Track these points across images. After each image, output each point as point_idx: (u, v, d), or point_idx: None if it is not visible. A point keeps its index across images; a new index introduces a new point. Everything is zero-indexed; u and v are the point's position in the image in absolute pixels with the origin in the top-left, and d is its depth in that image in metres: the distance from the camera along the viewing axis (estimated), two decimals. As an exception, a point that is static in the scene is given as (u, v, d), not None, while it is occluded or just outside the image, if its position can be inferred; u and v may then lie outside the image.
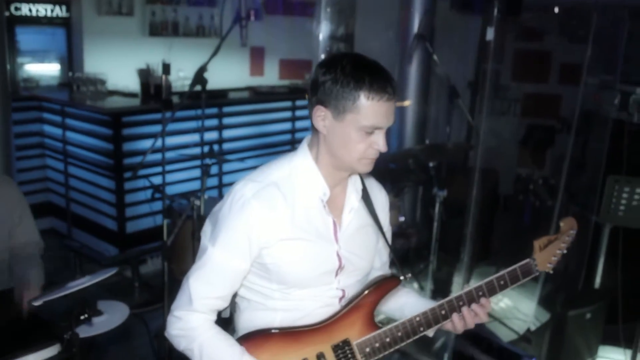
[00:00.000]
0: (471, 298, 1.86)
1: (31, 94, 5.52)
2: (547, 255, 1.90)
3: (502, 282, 1.87)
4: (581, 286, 4.55)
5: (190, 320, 1.78)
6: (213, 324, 1.82)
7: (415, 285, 4.80)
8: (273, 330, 1.81)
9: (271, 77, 7.17)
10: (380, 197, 1.99)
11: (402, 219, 4.46)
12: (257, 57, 7.07)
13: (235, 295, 1.88)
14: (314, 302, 1.83)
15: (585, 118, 4.79)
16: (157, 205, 4.54)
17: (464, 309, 1.85)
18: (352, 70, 1.66)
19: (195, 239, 3.66)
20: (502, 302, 4.62)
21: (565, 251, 1.93)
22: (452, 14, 5.62)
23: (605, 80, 4.70)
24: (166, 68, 4.62)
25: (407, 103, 5.19)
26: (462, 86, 6.01)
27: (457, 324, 1.86)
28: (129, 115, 4.88)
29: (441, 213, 4.25)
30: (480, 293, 1.86)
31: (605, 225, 4.16)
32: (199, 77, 3.53)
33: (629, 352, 3.55)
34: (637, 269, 3.75)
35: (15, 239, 2.88)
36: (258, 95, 6.17)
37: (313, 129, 1.79)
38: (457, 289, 4.60)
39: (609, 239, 4.39)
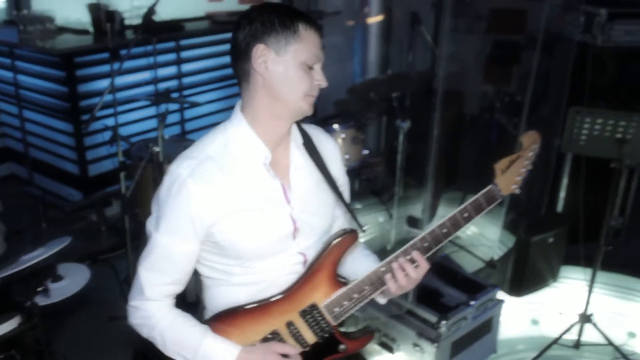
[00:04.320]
0: (435, 237, 1.76)
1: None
2: (510, 176, 1.78)
3: (466, 215, 1.76)
4: (544, 211, 4.63)
5: (147, 309, 1.77)
6: (171, 308, 1.80)
7: (381, 218, 4.85)
8: (239, 307, 1.79)
9: (231, 2, 6.91)
10: (329, 148, 1.93)
11: (365, 152, 4.44)
12: (214, -20, 6.78)
13: (199, 275, 1.86)
14: (277, 271, 1.80)
15: (550, 38, 4.73)
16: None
17: (405, 265, 1.76)
18: (281, 9, 1.70)
19: (157, 184, 3.61)
20: (469, 230, 4.70)
21: (530, 167, 1.81)
22: None
23: (569, 0, 4.61)
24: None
25: (380, 17, 5.08)
26: (426, 9, 5.85)
27: (412, 274, 1.77)
28: (81, 56, 4.68)
29: (404, 144, 4.24)
30: (445, 230, 1.76)
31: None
32: (147, 20, 3.37)
33: (588, 271, 3.65)
34: (598, 192, 3.80)
35: None
36: (217, 24, 5.95)
37: (244, 86, 1.73)
38: (424, 215, 4.66)
39: (572, 163, 4.46)
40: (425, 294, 3.23)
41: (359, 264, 1.94)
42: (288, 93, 1.68)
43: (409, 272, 1.76)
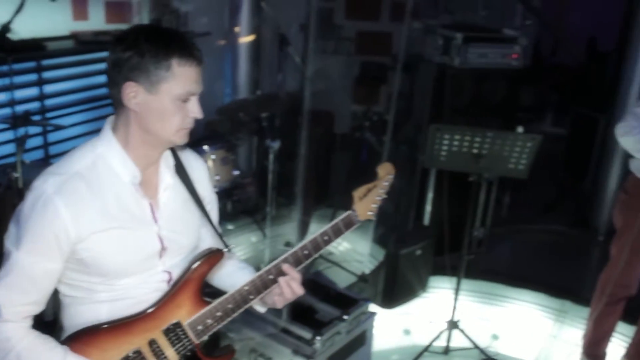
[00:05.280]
0: (297, 258, 1.84)
1: None
2: (367, 203, 1.90)
3: (326, 238, 1.85)
4: (412, 225, 4.82)
5: (2, 331, 1.66)
6: (29, 330, 1.70)
7: (254, 238, 4.84)
8: (100, 325, 1.73)
9: (97, 21, 6.68)
10: (197, 168, 1.93)
11: (236, 173, 4.42)
12: (79, -1, 6.54)
13: (57, 293, 1.78)
14: (141, 289, 1.77)
15: (413, 60, 4.96)
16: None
17: (281, 280, 1.83)
18: (157, 39, 1.60)
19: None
20: (341, 245, 4.79)
21: (385, 196, 1.93)
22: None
23: (429, 24, 4.85)
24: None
25: (250, 37, 5.08)
26: (295, 30, 5.97)
27: (285, 289, 1.83)
28: None
29: (275, 163, 4.27)
30: (306, 252, 1.84)
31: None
32: (2, 38, 3.19)
33: (454, 279, 3.83)
34: (461, 204, 3.99)
35: None
36: (81, 44, 5.72)
37: (118, 110, 1.69)
38: (295, 234, 4.71)
39: (436, 177, 4.67)
40: (299, 311, 3.25)
41: (237, 278, 1.94)
42: (160, 129, 1.67)
43: (292, 285, 1.83)
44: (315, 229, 4.59)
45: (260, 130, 4.51)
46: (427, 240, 4.35)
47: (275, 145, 4.19)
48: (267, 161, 4.32)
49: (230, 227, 4.80)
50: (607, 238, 3.84)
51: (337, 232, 1.87)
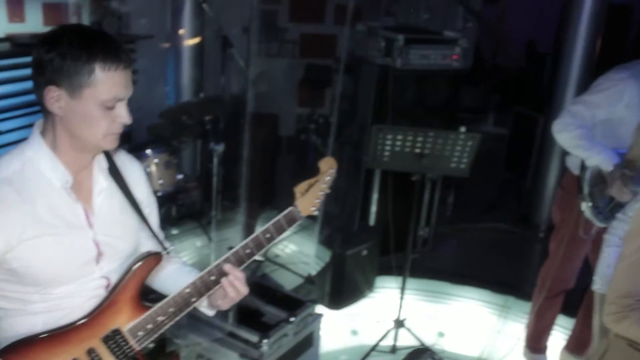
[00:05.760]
0: (239, 257, 1.81)
1: None
2: (309, 199, 1.89)
3: (268, 235, 1.83)
4: (357, 225, 4.84)
5: None
6: None
7: (199, 243, 4.79)
8: (36, 336, 1.66)
9: (34, 23, 6.50)
10: (133, 171, 1.89)
11: (180, 177, 4.37)
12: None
13: None
14: (78, 297, 1.72)
15: (356, 62, 5.00)
16: None
17: (224, 280, 1.80)
18: (80, 42, 1.54)
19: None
20: (288, 247, 4.78)
21: (327, 191, 1.93)
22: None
23: (372, 27, 4.90)
24: None
25: (195, 40, 5.02)
26: (238, 33, 5.93)
27: (228, 289, 1.81)
28: None
29: (219, 167, 4.24)
30: (248, 250, 1.82)
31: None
32: None
33: (400, 279, 3.86)
34: (406, 204, 4.03)
35: None
36: (18, 47, 5.56)
37: (45, 113, 1.63)
38: (241, 237, 4.67)
39: (380, 177, 4.71)
40: (245, 315, 3.22)
41: (178, 280, 1.89)
42: (86, 134, 1.61)
43: (235, 284, 1.80)
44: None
45: (204, 134, 4.47)
46: (373, 241, 4.38)
47: (219, 148, 4.16)
48: (212, 164, 4.28)
49: (175, 231, 4.74)
50: (548, 234, 3.94)
51: (279, 229, 1.85)
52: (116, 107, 1.61)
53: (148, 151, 4.18)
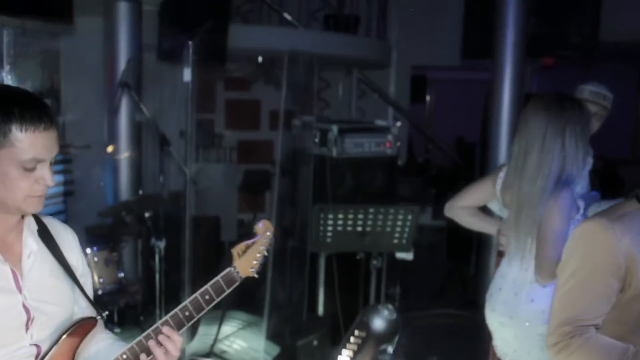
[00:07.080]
0: (178, 320, 1.75)
1: None
2: (247, 260, 1.86)
3: (207, 297, 1.78)
4: (306, 315, 4.76)
5: None
6: None
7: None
8: None
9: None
10: (67, 236, 1.82)
11: (121, 274, 4.26)
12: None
13: None
14: None
15: (294, 157, 5.10)
16: None
17: (151, 343, 1.72)
18: None
19: None
20: (235, 344, 4.63)
21: (266, 253, 1.91)
22: (160, 64, 5.61)
23: (306, 121, 5.06)
24: None
25: (126, 155, 5.03)
26: (176, 136, 6.01)
27: (156, 351, 1.72)
28: None
29: (162, 263, 4.16)
30: (187, 313, 1.75)
31: (320, 254, 4.44)
32: None
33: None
34: (351, 291, 4.02)
35: None
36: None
37: None
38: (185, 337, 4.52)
39: (325, 267, 4.69)
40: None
41: (114, 349, 1.80)
42: (6, 196, 1.56)
43: (168, 349, 1.72)
44: (205, 331, 4.46)
45: (145, 232, 4.41)
46: (323, 330, 4.30)
47: (161, 244, 4.11)
48: (154, 262, 4.21)
49: (117, 330, 4.54)
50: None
51: (218, 291, 1.80)
52: (37, 169, 1.56)
53: (87, 250, 4.08)
